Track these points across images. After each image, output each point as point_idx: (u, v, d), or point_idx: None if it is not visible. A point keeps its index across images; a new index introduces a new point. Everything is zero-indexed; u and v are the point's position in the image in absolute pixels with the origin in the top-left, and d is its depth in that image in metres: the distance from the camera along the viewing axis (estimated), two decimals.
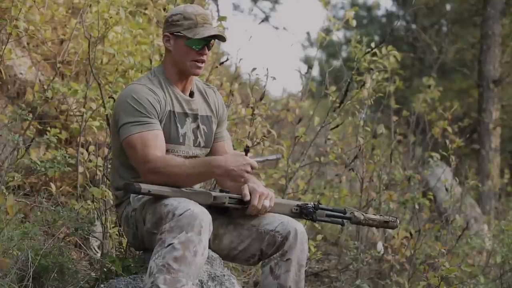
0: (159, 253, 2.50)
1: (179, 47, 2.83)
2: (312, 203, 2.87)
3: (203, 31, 2.80)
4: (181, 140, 2.85)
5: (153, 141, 2.72)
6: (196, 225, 2.50)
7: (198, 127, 2.91)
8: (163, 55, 2.96)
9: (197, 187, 2.88)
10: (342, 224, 2.96)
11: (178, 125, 2.85)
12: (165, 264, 2.47)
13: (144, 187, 2.58)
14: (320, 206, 2.88)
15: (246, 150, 2.72)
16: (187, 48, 2.82)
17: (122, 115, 2.76)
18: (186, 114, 2.89)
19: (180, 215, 2.51)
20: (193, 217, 2.50)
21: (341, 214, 2.92)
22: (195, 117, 2.91)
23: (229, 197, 2.72)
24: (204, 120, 2.94)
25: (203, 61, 2.84)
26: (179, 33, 2.82)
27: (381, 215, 3.03)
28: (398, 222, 3.04)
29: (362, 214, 2.96)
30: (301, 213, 2.86)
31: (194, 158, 2.86)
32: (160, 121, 2.79)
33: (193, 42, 2.80)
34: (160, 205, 2.61)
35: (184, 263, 2.48)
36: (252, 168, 2.69)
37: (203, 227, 2.52)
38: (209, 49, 2.85)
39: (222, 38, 2.87)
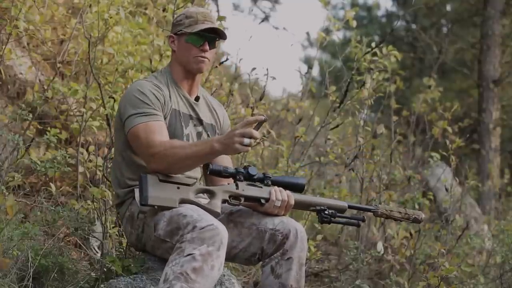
0: (176, 260, 2.50)
1: (181, 45, 2.90)
2: (329, 211, 2.88)
3: (201, 26, 2.85)
4: (184, 140, 2.87)
5: (158, 129, 2.73)
6: (217, 241, 2.52)
7: (202, 132, 2.94)
8: (169, 56, 2.98)
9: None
10: (358, 225, 3.00)
11: (183, 124, 2.89)
12: (183, 272, 2.47)
13: (151, 202, 2.59)
14: (337, 214, 2.89)
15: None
16: (188, 45, 2.87)
17: (127, 107, 2.78)
18: (190, 116, 2.92)
19: (203, 228, 2.52)
20: (216, 233, 2.52)
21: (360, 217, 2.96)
22: (200, 122, 2.95)
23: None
24: (208, 128, 2.97)
25: (204, 57, 2.87)
26: (180, 31, 2.88)
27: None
28: (422, 216, 3.07)
29: (385, 209, 3.00)
30: (317, 215, 2.89)
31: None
32: (164, 117, 2.81)
33: (193, 38, 2.86)
34: (178, 215, 2.62)
35: (201, 275, 2.48)
36: (252, 137, 2.59)
37: (223, 243, 2.54)
38: (211, 46, 2.88)
39: (222, 35, 2.90)
